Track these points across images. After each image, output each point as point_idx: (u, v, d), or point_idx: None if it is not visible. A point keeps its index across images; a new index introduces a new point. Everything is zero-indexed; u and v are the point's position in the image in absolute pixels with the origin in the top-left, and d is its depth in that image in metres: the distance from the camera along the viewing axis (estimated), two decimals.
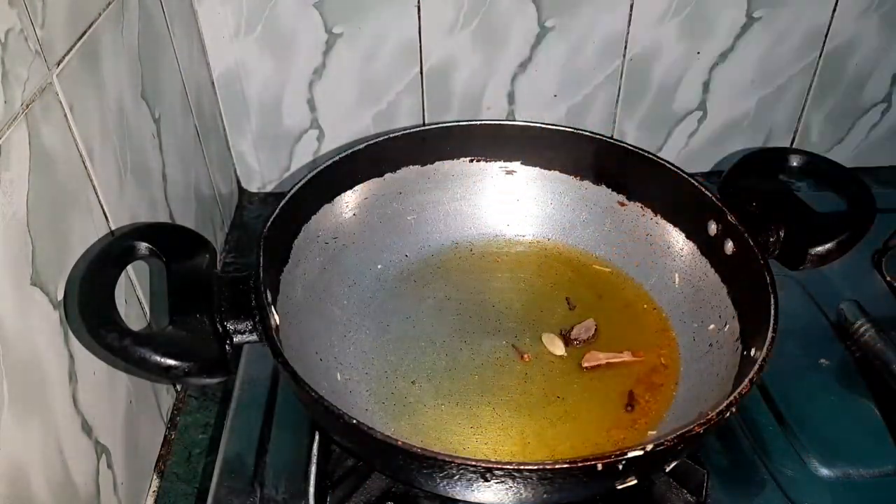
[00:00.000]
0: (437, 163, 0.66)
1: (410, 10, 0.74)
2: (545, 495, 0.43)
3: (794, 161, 0.62)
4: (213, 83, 0.78)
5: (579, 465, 0.41)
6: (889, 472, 0.55)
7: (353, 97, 0.80)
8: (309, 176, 0.58)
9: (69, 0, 0.47)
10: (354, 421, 0.42)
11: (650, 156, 0.61)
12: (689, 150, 0.87)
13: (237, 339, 0.48)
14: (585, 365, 0.57)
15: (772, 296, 0.49)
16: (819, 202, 0.58)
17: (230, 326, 0.48)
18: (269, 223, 0.53)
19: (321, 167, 0.59)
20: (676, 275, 0.62)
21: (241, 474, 0.55)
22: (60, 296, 0.46)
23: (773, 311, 0.48)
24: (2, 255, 0.39)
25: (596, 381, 0.57)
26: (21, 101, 0.41)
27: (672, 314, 0.61)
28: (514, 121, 0.79)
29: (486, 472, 0.40)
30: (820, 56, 0.81)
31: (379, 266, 0.65)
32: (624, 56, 0.79)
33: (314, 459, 0.53)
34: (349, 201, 0.63)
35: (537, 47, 0.77)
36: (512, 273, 0.65)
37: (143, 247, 0.49)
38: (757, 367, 0.46)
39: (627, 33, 0.77)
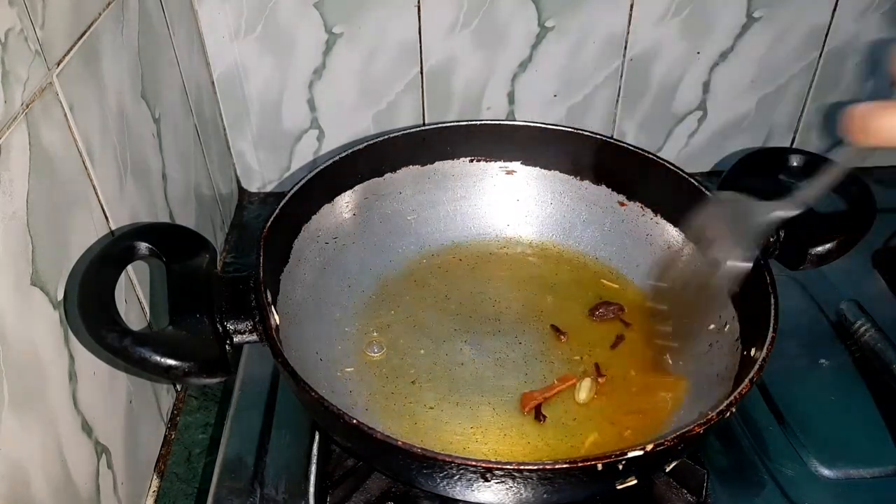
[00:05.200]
0: (437, 163, 0.66)
1: (410, 10, 0.74)
2: (545, 495, 0.43)
3: (794, 161, 0.61)
4: (213, 83, 0.78)
5: (579, 465, 0.41)
6: (889, 472, 0.55)
7: (353, 97, 0.80)
8: (309, 176, 0.58)
9: (69, 0, 0.47)
10: (354, 421, 0.42)
11: (650, 156, 0.61)
12: (689, 150, 0.87)
13: (237, 339, 0.48)
14: (526, 410, 0.55)
15: (772, 296, 0.49)
16: (819, 202, 0.58)
17: (230, 326, 0.48)
18: (269, 223, 0.53)
19: (321, 167, 0.59)
20: None
21: (241, 474, 0.55)
22: (60, 296, 0.46)
23: (773, 311, 0.48)
24: (2, 255, 0.39)
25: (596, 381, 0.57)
26: (21, 101, 0.41)
27: None
28: (514, 121, 0.79)
29: (486, 472, 0.40)
30: (820, 56, 0.81)
31: (379, 266, 0.65)
32: (624, 56, 0.79)
33: (314, 459, 0.53)
34: (349, 201, 0.63)
35: (537, 47, 0.77)
36: (512, 273, 0.65)
37: (143, 247, 0.49)
38: (757, 367, 0.46)
39: (627, 33, 0.77)
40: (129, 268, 0.53)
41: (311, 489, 0.52)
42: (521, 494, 0.43)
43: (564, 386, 0.56)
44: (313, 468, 0.53)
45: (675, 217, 0.62)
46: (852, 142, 0.35)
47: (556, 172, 0.66)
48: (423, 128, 0.64)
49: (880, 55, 0.81)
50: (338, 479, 0.52)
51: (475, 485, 0.42)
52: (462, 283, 0.64)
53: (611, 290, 0.64)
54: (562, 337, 0.60)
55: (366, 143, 0.62)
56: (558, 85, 0.80)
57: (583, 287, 0.64)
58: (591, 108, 0.83)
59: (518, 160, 0.67)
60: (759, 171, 0.61)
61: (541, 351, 0.59)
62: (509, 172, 0.67)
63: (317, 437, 0.55)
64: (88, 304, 0.44)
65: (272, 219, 0.54)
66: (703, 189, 0.58)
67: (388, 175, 0.65)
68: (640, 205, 0.64)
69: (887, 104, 0.33)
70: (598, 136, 0.63)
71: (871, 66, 0.82)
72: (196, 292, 0.48)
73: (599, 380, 0.56)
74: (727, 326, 0.55)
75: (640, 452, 0.41)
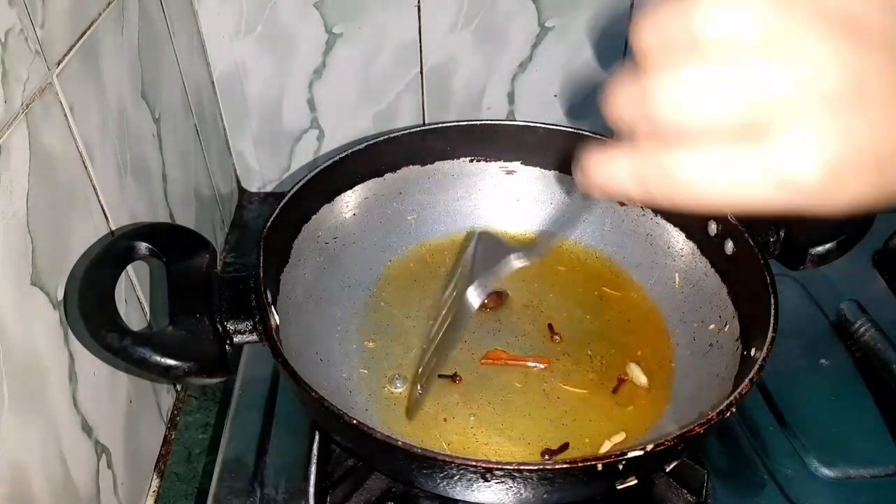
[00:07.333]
0: (437, 163, 0.66)
1: (410, 10, 0.74)
2: (545, 495, 0.43)
3: None
4: (213, 83, 0.78)
5: (579, 465, 0.41)
6: (889, 472, 0.55)
7: (353, 97, 0.80)
8: (309, 176, 0.58)
9: (69, 0, 0.47)
10: (354, 421, 0.42)
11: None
12: None
13: (237, 339, 0.48)
14: (483, 361, 0.57)
15: (772, 296, 0.49)
16: None
17: (230, 326, 0.48)
18: (269, 223, 0.53)
19: (321, 167, 0.59)
20: (676, 275, 0.62)
21: (241, 474, 0.55)
22: (60, 296, 0.46)
23: (773, 311, 0.48)
24: (2, 255, 0.39)
25: (596, 382, 0.57)
26: (21, 101, 0.41)
27: (672, 314, 0.61)
28: (514, 121, 0.79)
29: (486, 472, 0.40)
30: None
31: (379, 266, 0.65)
32: (624, 56, 0.79)
33: (314, 459, 0.53)
34: (349, 201, 0.63)
35: (537, 47, 0.77)
36: (511, 273, 0.65)
37: (143, 247, 0.49)
38: (757, 367, 0.46)
39: (627, 33, 0.77)
40: (129, 268, 0.53)
41: (311, 489, 0.52)
42: (521, 494, 0.43)
43: (534, 362, 0.58)
44: (313, 468, 0.53)
45: (675, 217, 0.62)
46: (588, 195, 0.29)
47: (556, 172, 0.66)
48: (423, 128, 0.64)
49: None
50: (338, 479, 0.52)
51: (475, 485, 0.42)
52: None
53: (610, 289, 0.64)
54: (556, 337, 0.60)
55: (366, 143, 0.62)
56: (558, 85, 0.80)
57: (582, 287, 0.64)
58: (590, 108, 0.83)
59: (518, 160, 0.67)
60: None
61: (540, 350, 0.59)
62: (509, 172, 0.67)
63: (317, 437, 0.55)
64: (88, 304, 0.44)
65: (272, 219, 0.54)
66: None
67: (388, 175, 0.65)
68: (640, 205, 0.64)
69: (608, 151, 0.27)
70: (598, 136, 0.63)
71: None
72: (196, 292, 0.48)
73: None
74: (727, 326, 0.55)
75: (640, 452, 0.41)
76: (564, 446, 0.52)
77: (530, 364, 0.57)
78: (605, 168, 0.27)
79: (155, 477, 0.60)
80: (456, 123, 0.65)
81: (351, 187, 0.63)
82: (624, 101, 0.25)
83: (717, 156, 0.24)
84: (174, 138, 0.66)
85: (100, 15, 0.52)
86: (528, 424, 0.54)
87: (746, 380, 0.45)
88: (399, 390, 0.56)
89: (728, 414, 0.43)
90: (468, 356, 0.58)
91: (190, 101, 0.71)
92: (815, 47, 0.22)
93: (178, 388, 0.66)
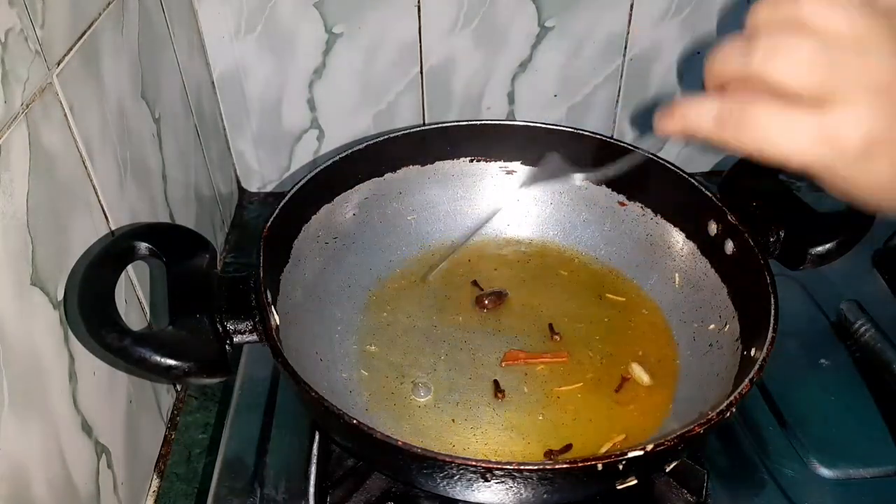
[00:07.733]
0: (437, 163, 0.66)
1: (410, 10, 0.74)
2: (545, 495, 0.43)
3: None
4: (213, 83, 0.78)
5: (579, 465, 0.41)
6: (889, 472, 0.55)
7: (353, 97, 0.80)
8: (309, 176, 0.58)
9: (69, 0, 0.47)
10: (354, 421, 0.42)
11: (650, 156, 0.61)
12: (689, 150, 0.87)
13: (237, 339, 0.48)
14: (503, 363, 0.58)
15: (772, 296, 0.49)
16: (819, 202, 0.58)
17: (230, 326, 0.48)
18: (269, 223, 0.53)
19: (321, 167, 0.59)
20: (676, 275, 0.62)
21: (241, 474, 0.55)
22: (60, 296, 0.46)
23: (773, 311, 0.48)
24: (2, 255, 0.39)
25: (596, 381, 0.57)
26: (21, 101, 0.41)
27: (672, 314, 0.61)
28: (514, 121, 0.79)
29: (486, 472, 0.40)
30: None
31: (379, 266, 0.65)
32: (624, 56, 0.79)
33: (314, 459, 0.53)
34: (349, 201, 0.63)
35: (537, 47, 0.77)
36: (512, 273, 0.65)
37: (143, 247, 0.49)
38: (757, 367, 0.46)
39: (627, 33, 0.77)
40: (129, 268, 0.53)
41: (311, 489, 0.52)
42: (521, 494, 0.43)
43: (552, 360, 0.58)
44: (313, 468, 0.53)
45: (675, 217, 0.62)
46: (657, 129, 0.37)
47: None
48: (423, 128, 0.64)
49: None
50: (338, 479, 0.52)
51: (475, 485, 0.42)
52: (462, 282, 0.64)
53: (610, 290, 0.64)
54: (556, 337, 0.60)
55: (366, 143, 0.62)
56: (558, 85, 0.80)
57: (582, 287, 0.64)
58: (591, 108, 0.83)
59: (518, 160, 0.67)
60: (758, 171, 0.61)
61: (540, 350, 0.59)
62: (509, 172, 0.67)
63: (317, 437, 0.55)
64: (88, 304, 0.44)
65: (272, 219, 0.54)
66: (703, 189, 0.58)
67: (388, 175, 0.65)
68: (640, 205, 0.64)
69: (697, 98, 0.35)
70: (598, 136, 0.63)
71: None
72: (196, 292, 0.48)
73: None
74: (727, 326, 0.55)
75: (640, 452, 0.41)
76: (567, 447, 0.52)
77: (548, 361, 0.58)
78: (694, 109, 0.35)
79: (155, 477, 0.60)
80: (456, 123, 0.65)
81: (351, 187, 0.63)
82: (730, 57, 0.33)
83: (787, 111, 0.31)
84: (174, 138, 0.66)
85: (100, 15, 0.52)
86: (529, 424, 0.54)
87: (746, 380, 0.45)
88: (423, 399, 0.55)
89: (728, 414, 0.43)
90: (468, 357, 0.58)
91: (190, 101, 0.71)
92: (885, 46, 0.30)
93: (178, 388, 0.66)
